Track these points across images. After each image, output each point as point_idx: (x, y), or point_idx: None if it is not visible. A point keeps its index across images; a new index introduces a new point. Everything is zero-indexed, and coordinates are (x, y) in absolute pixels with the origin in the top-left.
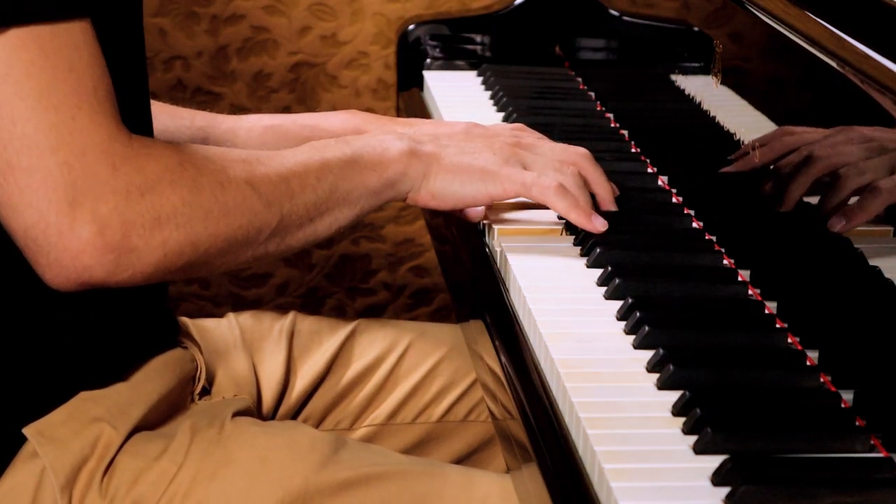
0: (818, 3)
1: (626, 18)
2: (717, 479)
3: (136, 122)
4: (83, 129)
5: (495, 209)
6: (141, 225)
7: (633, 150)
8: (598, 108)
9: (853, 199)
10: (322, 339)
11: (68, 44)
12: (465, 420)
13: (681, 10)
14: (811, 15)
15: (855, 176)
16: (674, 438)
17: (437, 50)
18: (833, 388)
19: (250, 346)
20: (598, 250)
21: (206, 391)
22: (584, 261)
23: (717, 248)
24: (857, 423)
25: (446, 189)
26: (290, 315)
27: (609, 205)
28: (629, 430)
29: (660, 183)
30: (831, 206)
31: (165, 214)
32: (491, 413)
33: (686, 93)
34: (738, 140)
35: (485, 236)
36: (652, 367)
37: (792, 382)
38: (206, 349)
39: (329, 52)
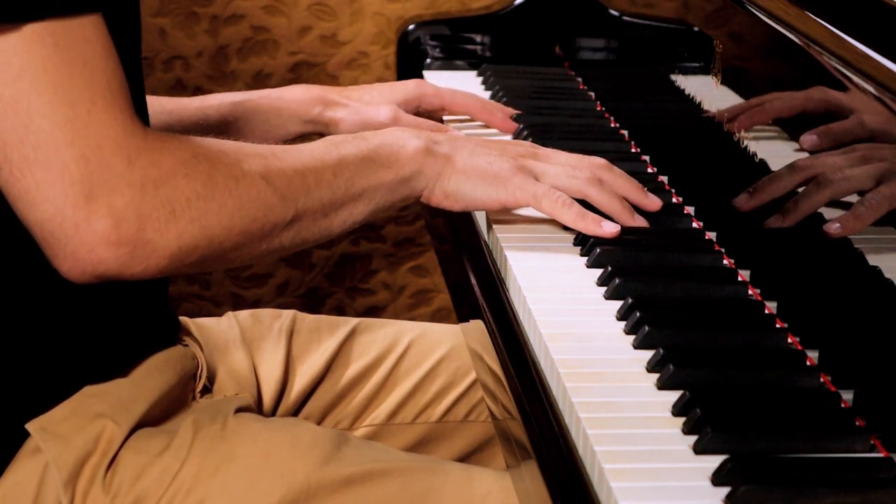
0: (818, 3)
1: (626, 18)
2: (717, 479)
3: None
4: (99, 124)
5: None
6: (156, 218)
7: (633, 150)
8: (598, 108)
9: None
10: (321, 339)
11: (82, 39)
12: (464, 420)
13: (681, 10)
14: (811, 15)
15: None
16: (674, 438)
17: (437, 50)
18: (833, 388)
19: (249, 345)
20: (598, 250)
21: (207, 390)
22: (584, 261)
23: (717, 248)
24: (857, 423)
25: (459, 190)
26: (290, 314)
27: (627, 221)
28: (629, 430)
29: (660, 183)
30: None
31: (180, 208)
32: (491, 413)
33: (686, 93)
34: (738, 140)
35: (485, 236)
36: (652, 367)
37: (792, 382)
38: (206, 348)
39: (329, 52)
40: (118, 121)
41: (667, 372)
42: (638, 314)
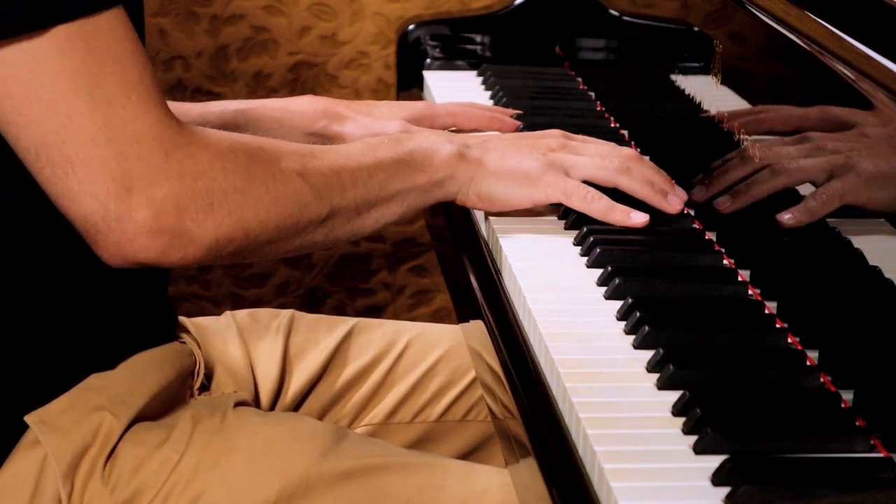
0: (818, 3)
1: (626, 18)
2: (717, 479)
3: None
4: (135, 119)
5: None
6: (194, 209)
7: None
8: (598, 108)
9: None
10: (319, 338)
11: (111, 35)
12: (463, 419)
13: (681, 10)
14: (811, 15)
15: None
16: (674, 438)
17: (437, 50)
18: (833, 388)
19: (247, 343)
20: (598, 250)
21: (205, 388)
22: (584, 261)
23: (717, 248)
24: (857, 423)
25: (492, 193)
26: (288, 313)
27: (660, 203)
28: (629, 430)
29: None
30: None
31: (218, 200)
32: (491, 412)
33: (686, 93)
34: (738, 140)
35: (484, 236)
36: (652, 367)
37: (792, 382)
38: (203, 346)
39: (329, 52)
40: (153, 114)
41: (667, 372)
42: (638, 314)
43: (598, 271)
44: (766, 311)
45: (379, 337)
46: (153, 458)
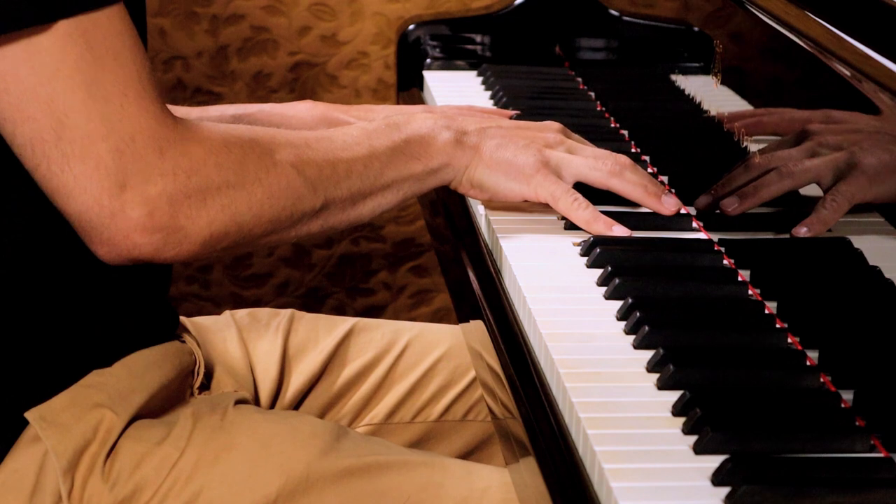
0: (818, 3)
1: (626, 18)
2: (717, 479)
3: None
4: (131, 116)
5: (496, 209)
6: (188, 206)
7: (633, 151)
8: (598, 108)
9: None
10: (319, 338)
11: (111, 32)
12: (463, 419)
13: (681, 10)
14: (811, 15)
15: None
16: (674, 438)
17: (437, 50)
18: (833, 388)
19: (246, 343)
20: (598, 250)
21: (205, 387)
22: (584, 261)
23: (717, 248)
24: (857, 423)
25: (484, 182)
26: (288, 313)
27: (656, 205)
28: (629, 430)
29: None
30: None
31: (211, 196)
32: (491, 412)
33: (686, 93)
34: (738, 140)
35: (485, 236)
36: (652, 367)
37: (792, 382)
38: (203, 345)
39: (329, 52)
40: (149, 112)
41: (667, 372)
42: (638, 314)
43: (598, 271)
44: (766, 311)
45: (379, 337)
46: (153, 455)
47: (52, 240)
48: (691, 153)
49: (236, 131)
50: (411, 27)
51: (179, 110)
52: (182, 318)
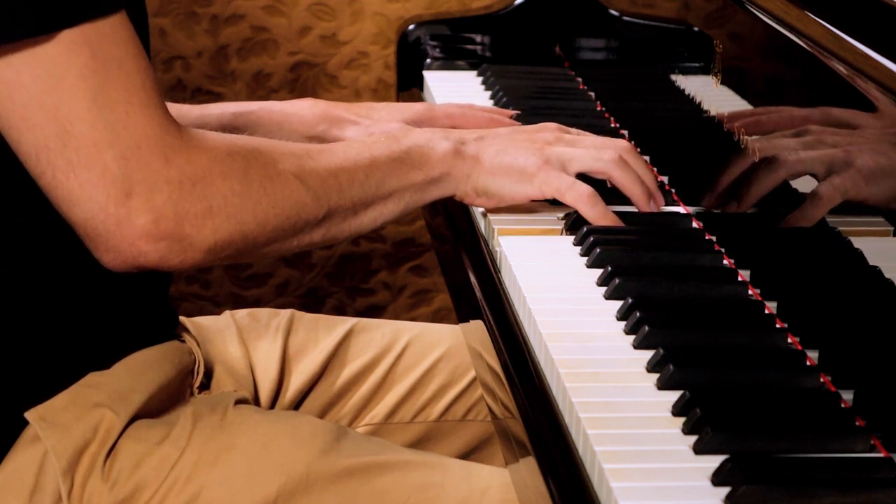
0: (818, 3)
1: (626, 18)
2: (717, 479)
3: None
4: (136, 124)
5: (496, 209)
6: (193, 214)
7: None
8: (598, 108)
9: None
10: (319, 338)
11: (114, 40)
12: (463, 419)
13: (681, 10)
14: (811, 15)
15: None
16: (674, 438)
17: (437, 50)
18: (833, 388)
19: (246, 343)
20: (598, 250)
21: (205, 386)
22: (584, 261)
23: (717, 248)
24: (857, 423)
25: (489, 188)
26: (288, 313)
27: (644, 206)
28: (629, 430)
29: (660, 183)
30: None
31: (216, 204)
32: (491, 411)
33: (686, 93)
34: (738, 140)
35: (485, 236)
36: (652, 367)
37: (792, 382)
38: (203, 345)
39: (329, 52)
40: (154, 120)
41: (667, 372)
42: (638, 314)
43: (598, 271)
44: (766, 311)
45: (379, 337)
46: (153, 455)
47: (53, 240)
48: (691, 153)
49: (239, 140)
50: (411, 27)
51: (180, 108)
52: (182, 318)
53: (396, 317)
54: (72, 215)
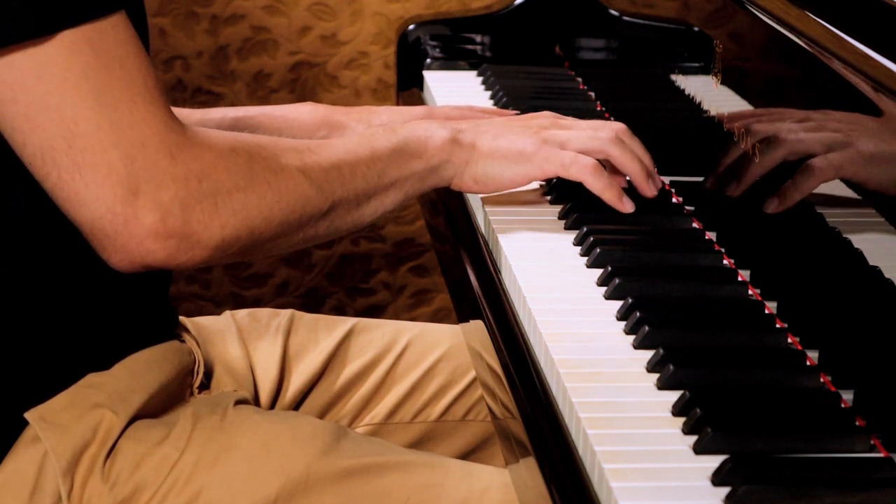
0: (818, 3)
1: (626, 18)
2: (717, 479)
3: None
4: (141, 122)
5: (496, 208)
6: (200, 210)
7: None
8: (598, 108)
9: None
10: (319, 338)
11: (115, 40)
12: (463, 419)
13: (681, 10)
14: (811, 15)
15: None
16: (674, 438)
17: (437, 50)
18: (833, 388)
19: (246, 343)
20: (598, 250)
21: (205, 386)
22: (584, 261)
23: (717, 248)
24: (857, 423)
25: (487, 174)
26: (288, 313)
27: (644, 184)
28: (629, 430)
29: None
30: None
31: (222, 200)
32: (491, 412)
33: (686, 93)
34: (738, 140)
35: (485, 236)
36: (652, 367)
37: (792, 382)
38: (203, 345)
39: (329, 52)
40: (158, 117)
41: (667, 372)
42: (638, 314)
43: (598, 271)
44: (766, 311)
45: (379, 337)
46: (153, 456)
47: (53, 241)
48: (691, 153)
49: (241, 137)
50: (411, 27)
51: (180, 112)
52: (182, 318)
53: (396, 317)
54: (78, 216)
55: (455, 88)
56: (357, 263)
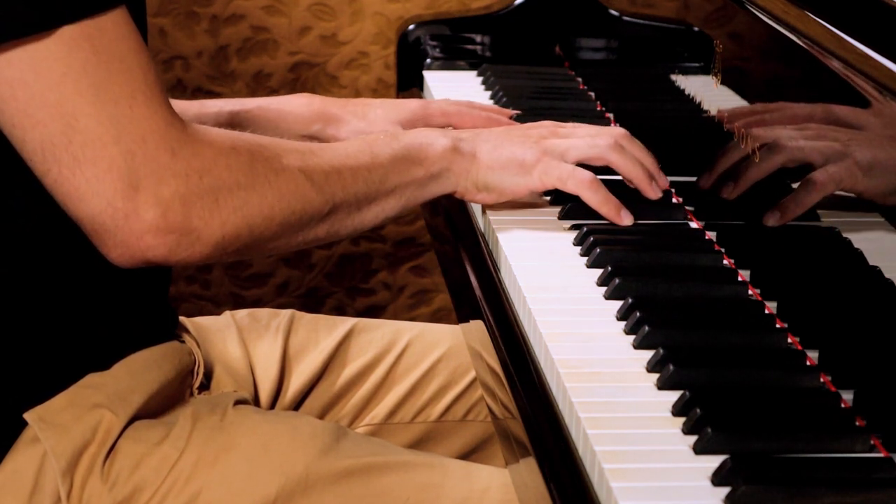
0: (818, 3)
1: (626, 18)
2: (717, 479)
3: None
4: (141, 118)
5: (495, 208)
6: (201, 206)
7: None
8: (598, 108)
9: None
10: (319, 338)
11: (115, 35)
12: (463, 419)
13: (681, 10)
14: (811, 15)
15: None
16: (674, 438)
17: (437, 50)
18: (833, 388)
19: (246, 343)
20: (598, 250)
21: (204, 387)
22: (584, 261)
23: (717, 248)
24: (857, 423)
25: (488, 183)
26: (288, 313)
27: (647, 188)
28: (629, 430)
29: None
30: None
31: (223, 197)
32: (491, 412)
33: (686, 93)
34: (738, 140)
35: (485, 236)
36: (652, 367)
37: (792, 382)
38: (203, 345)
39: (329, 52)
40: (158, 113)
41: (667, 372)
42: (638, 314)
43: (598, 271)
44: (766, 311)
45: (379, 337)
46: (153, 456)
47: (53, 240)
48: (691, 153)
49: (242, 136)
50: (411, 27)
51: (178, 105)
52: (182, 318)
53: (396, 317)
54: (78, 212)
55: (455, 88)
56: (357, 263)
